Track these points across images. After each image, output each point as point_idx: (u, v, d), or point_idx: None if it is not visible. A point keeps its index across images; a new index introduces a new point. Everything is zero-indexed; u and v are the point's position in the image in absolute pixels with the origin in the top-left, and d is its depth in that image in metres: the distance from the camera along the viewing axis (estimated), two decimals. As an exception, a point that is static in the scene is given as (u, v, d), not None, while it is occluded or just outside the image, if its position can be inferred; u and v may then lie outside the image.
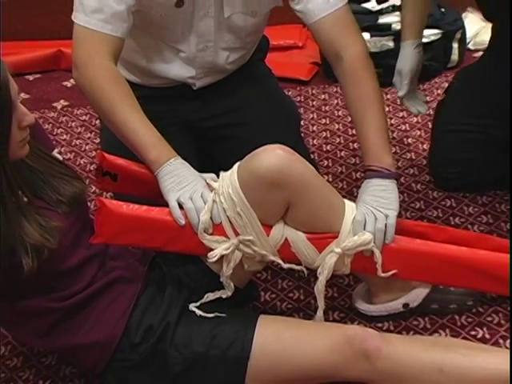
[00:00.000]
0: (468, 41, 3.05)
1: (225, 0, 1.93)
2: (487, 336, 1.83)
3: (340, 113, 2.78)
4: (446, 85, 2.83)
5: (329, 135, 2.69)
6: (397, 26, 2.88)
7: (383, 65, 2.74)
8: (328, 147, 2.63)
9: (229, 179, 1.67)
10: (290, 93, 2.92)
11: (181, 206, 1.67)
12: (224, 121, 2.15)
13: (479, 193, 2.30)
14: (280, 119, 2.20)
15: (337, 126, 2.73)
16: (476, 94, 2.29)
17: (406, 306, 1.88)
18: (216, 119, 2.15)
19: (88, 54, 1.80)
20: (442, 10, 2.97)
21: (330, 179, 2.46)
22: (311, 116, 2.80)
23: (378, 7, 2.97)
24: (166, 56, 2.05)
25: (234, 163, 1.70)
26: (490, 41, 2.31)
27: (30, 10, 3.28)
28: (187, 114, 2.13)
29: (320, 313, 1.74)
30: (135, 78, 2.09)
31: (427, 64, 2.88)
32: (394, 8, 2.94)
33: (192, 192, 1.67)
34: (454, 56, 2.97)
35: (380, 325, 1.88)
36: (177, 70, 2.07)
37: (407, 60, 2.15)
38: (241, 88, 2.17)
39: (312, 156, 2.49)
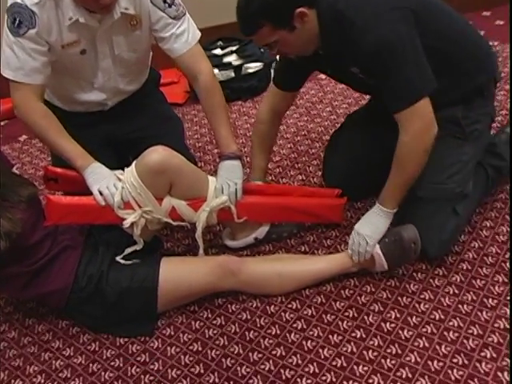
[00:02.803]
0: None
1: (114, 44, 1.79)
2: (307, 249, 1.84)
3: (205, 121, 2.70)
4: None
5: (199, 136, 2.62)
6: (235, 62, 2.83)
7: (229, 87, 2.74)
8: (200, 144, 2.56)
9: (130, 172, 1.60)
10: (172, 112, 2.82)
11: (101, 193, 1.59)
12: (133, 136, 1.99)
13: (295, 161, 2.28)
14: (169, 130, 2.04)
15: (204, 130, 2.66)
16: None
17: (256, 239, 1.85)
18: (127, 136, 1.99)
19: (20, 98, 1.67)
20: (262, 50, 2.92)
21: (203, 164, 2.39)
22: (187, 125, 2.72)
23: (222, 52, 2.90)
24: (84, 87, 1.88)
25: None
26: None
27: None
28: (107, 133, 1.96)
29: (201, 251, 1.71)
30: (64, 106, 1.91)
31: (257, 85, 2.85)
32: (232, 52, 2.87)
33: (107, 183, 1.60)
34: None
35: (241, 253, 1.85)
36: (93, 95, 1.89)
37: None
38: (142, 112, 2.02)
39: (191, 150, 2.41)
